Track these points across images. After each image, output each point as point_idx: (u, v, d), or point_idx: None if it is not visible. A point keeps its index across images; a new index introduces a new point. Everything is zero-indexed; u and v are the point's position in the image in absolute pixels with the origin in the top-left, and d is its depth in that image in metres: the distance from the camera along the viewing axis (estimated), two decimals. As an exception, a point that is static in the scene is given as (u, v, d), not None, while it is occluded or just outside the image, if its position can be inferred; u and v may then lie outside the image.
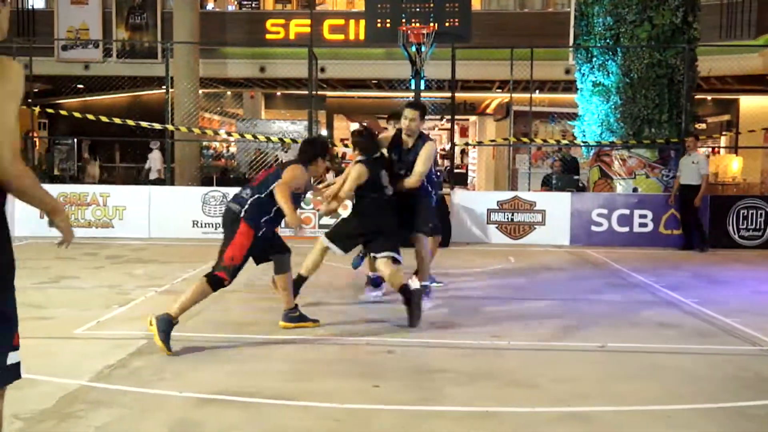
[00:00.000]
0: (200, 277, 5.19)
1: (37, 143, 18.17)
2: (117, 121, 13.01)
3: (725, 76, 17.86)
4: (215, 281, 5.14)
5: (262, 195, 5.30)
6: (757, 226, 11.43)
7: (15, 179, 2.25)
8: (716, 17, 17.63)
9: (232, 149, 21.42)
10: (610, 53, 13.11)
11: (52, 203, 2.47)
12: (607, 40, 13.09)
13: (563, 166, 14.43)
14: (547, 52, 16.34)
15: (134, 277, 7.97)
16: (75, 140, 19.23)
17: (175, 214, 11.68)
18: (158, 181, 16.11)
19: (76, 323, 5.71)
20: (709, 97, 21.39)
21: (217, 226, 11.58)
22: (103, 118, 13.01)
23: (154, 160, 17.11)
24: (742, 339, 5.70)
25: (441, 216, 10.92)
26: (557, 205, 11.74)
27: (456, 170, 18.40)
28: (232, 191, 11.66)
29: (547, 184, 13.91)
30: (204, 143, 19.88)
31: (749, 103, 21.11)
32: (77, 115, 13.68)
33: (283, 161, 5.65)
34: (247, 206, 5.26)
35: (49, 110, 16.13)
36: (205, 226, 11.66)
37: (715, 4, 17.84)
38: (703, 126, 20.84)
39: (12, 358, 2.31)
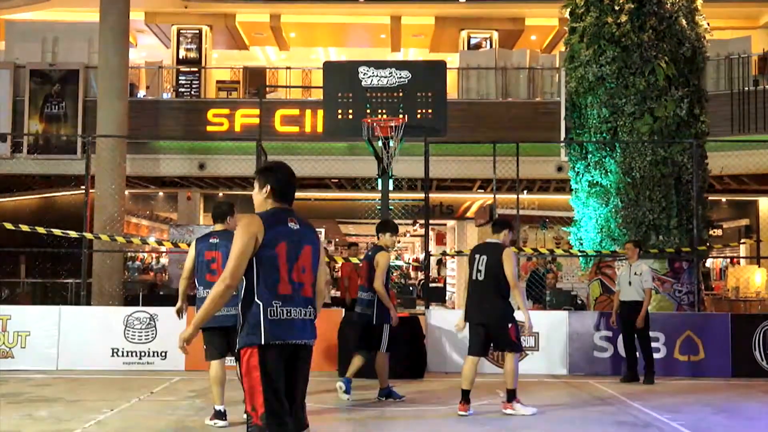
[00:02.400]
0: None
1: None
2: (24, 228, 12.92)
3: (740, 174, 18.47)
4: None
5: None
6: (788, 351, 11.51)
7: None
8: (726, 108, 18.42)
9: (163, 260, 21.29)
10: (608, 149, 13.53)
11: None
12: (604, 135, 13.53)
13: (533, 279, 14.67)
14: (536, 148, 16.84)
15: (36, 420, 7.72)
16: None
17: (91, 340, 11.43)
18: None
19: (-40, 480, 5.47)
20: (723, 199, 22.03)
21: (142, 354, 11.37)
22: (8, 225, 12.92)
23: None
24: (778, 488, 5.65)
25: (411, 339, 10.92)
26: (553, 327, 11.75)
27: (432, 284, 18.49)
28: (161, 311, 11.58)
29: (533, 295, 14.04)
30: (129, 254, 19.76)
31: (770, 206, 21.74)
32: (-25, 221, 13.57)
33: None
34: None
35: (-58, 215, 15.99)
36: (128, 355, 11.40)
37: (725, 94, 18.69)
38: (719, 232, 21.34)
39: None
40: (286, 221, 4.55)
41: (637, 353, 10.99)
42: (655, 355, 11.38)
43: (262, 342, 4.28)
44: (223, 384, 7.54)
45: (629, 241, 11.79)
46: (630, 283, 11.00)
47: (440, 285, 23.83)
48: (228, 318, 7.09)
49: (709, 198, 14.58)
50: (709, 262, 21.14)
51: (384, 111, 11.50)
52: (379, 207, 11.98)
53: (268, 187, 4.60)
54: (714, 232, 17.69)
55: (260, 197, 4.63)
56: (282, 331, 4.33)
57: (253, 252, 4.39)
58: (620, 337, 11.56)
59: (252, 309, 4.34)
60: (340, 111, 11.71)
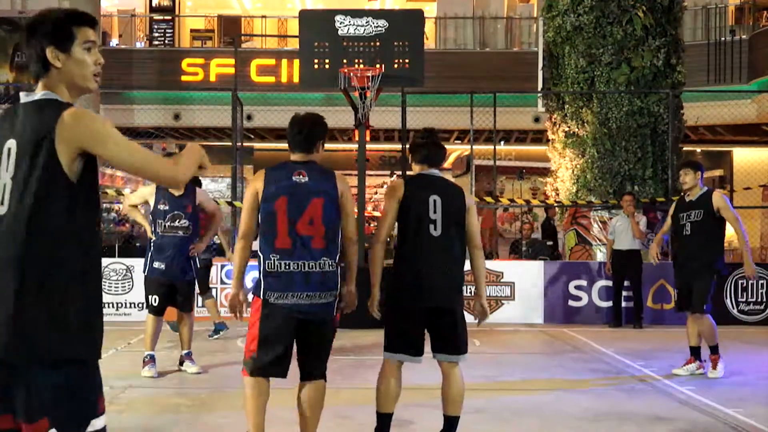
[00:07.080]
0: None
1: None
2: (-3, 179, 12.77)
3: (716, 125, 18.55)
4: None
5: None
6: (759, 299, 11.70)
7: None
8: (703, 59, 18.42)
9: (140, 212, 21.14)
10: (585, 100, 13.53)
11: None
12: (581, 85, 13.53)
13: (544, 231, 14.69)
14: (513, 98, 16.77)
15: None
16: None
17: (67, 292, 11.39)
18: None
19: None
20: (698, 150, 22.14)
21: (119, 305, 11.34)
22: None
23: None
24: (747, 433, 5.77)
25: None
26: (528, 277, 11.85)
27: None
28: (137, 263, 11.52)
29: (516, 252, 14.06)
30: (104, 205, 19.60)
31: (744, 156, 21.90)
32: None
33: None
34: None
35: None
36: (105, 306, 11.37)
37: (701, 44, 18.67)
38: (693, 182, 21.43)
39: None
40: (290, 175, 4.56)
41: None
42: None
43: (261, 295, 4.47)
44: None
45: (627, 193, 12.00)
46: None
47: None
48: None
49: (684, 148, 14.67)
50: (683, 212, 21.27)
51: (361, 61, 11.36)
52: (356, 158, 11.93)
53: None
54: (688, 182, 17.76)
55: None
56: (280, 284, 4.44)
57: (257, 207, 4.58)
58: (594, 286, 11.73)
59: (258, 260, 4.56)
60: (316, 61, 11.56)
